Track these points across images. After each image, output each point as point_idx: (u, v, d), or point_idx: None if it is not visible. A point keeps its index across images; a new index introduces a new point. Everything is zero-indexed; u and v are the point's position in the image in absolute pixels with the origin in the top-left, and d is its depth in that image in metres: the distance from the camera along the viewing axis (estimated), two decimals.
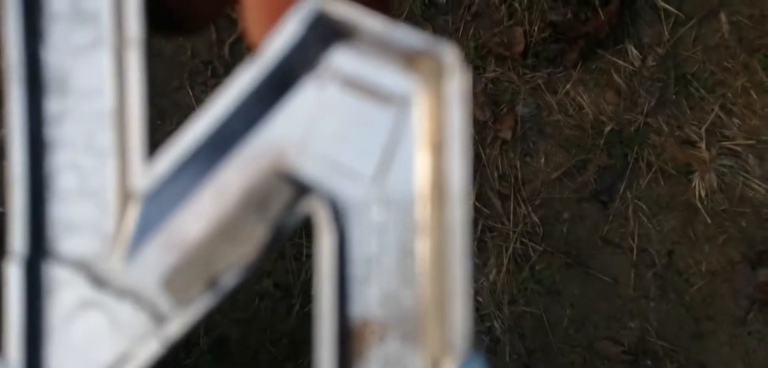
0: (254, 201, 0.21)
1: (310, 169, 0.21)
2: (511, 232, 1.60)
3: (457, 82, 0.20)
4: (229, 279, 0.21)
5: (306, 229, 1.51)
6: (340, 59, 0.22)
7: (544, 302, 1.60)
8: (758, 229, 1.53)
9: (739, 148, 1.55)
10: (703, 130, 1.56)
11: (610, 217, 1.61)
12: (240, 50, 1.48)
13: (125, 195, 0.21)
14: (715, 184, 1.55)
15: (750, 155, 1.54)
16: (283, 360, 1.56)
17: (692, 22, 1.56)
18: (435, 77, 0.21)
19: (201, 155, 0.21)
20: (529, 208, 1.62)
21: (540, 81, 1.63)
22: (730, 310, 1.52)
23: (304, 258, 1.58)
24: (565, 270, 1.61)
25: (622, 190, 1.62)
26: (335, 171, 0.21)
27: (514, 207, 1.62)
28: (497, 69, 1.63)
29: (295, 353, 1.55)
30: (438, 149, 0.20)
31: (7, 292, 0.21)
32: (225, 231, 0.21)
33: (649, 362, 1.51)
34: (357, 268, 0.21)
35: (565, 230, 1.63)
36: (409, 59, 0.21)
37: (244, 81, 0.21)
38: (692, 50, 1.59)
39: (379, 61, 0.21)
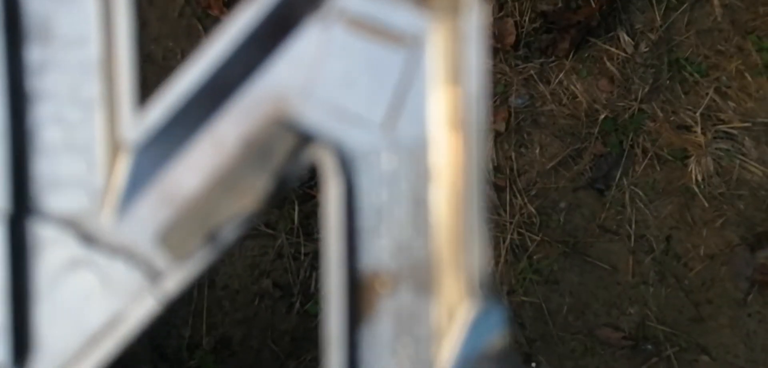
0: (255, 151, 0.19)
1: (314, 116, 0.20)
2: (508, 223, 1.60)
3: (475, 17, 0.19)
4: (230, 231, 0.20)
5: (303, 228, 1.50)
6: None
7: (543, 291, 1.59)
8: (756, 211, 1.52)
9: (734, 131, 1.54)
10: (698, 114, 1.56)
11: (607, 205, 1.60)
12: None
13: (115, 147, 0.20)
14: (711, 168, 1.55)
15: (746, 138, 1.53)
16: (286, 358, 1.55)
17: (684, 6, 1.55)
18: (450, 13, 0.19)
19: (196, 104, 0.20)
20: (526, 199, 1.62)
21: (532, 71, 1.62)
22: (729, 293, 1.52)
23: (302, 258, 1.58)
24: (563, 259, 1.61)
25: (618, 177, 1.61)
26: (341, 118, 0.20)
27: (511, 199, 1.61)
28: (489, 61, 1.62)
29: (296, 351, 1.55)
30: (454, 90, 0.19)
31: None
32: (224, 182, 0.20)
33: (649, 347, 1.51)
34: (366, 219, 0.19)
35: (562, 219, 1.63)
36: None
37: (241, 23, 0.20)
38: (685, 34, 1.58)
39: None
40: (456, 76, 0.19)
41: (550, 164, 1.60)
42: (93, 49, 0.20)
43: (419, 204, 0.19)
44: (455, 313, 0.18)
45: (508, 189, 1.60)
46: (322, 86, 0.20)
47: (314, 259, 1.55)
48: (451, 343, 0.19)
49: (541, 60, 1.61)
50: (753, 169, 1.56)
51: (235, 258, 1.53)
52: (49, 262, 0.21)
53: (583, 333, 1.59)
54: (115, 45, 0.20)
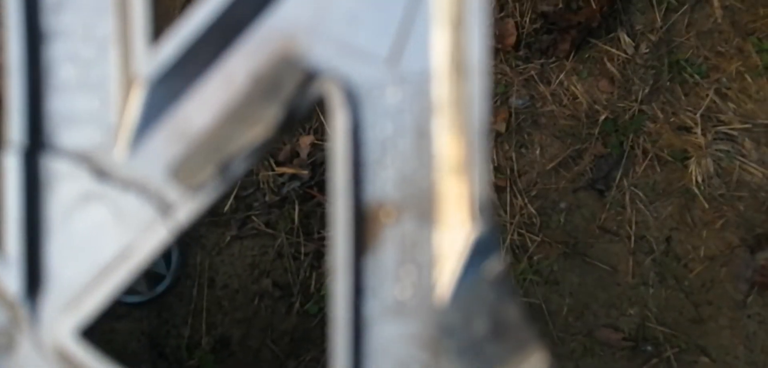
0: (264, 85, 0.20)
1: (321, 52, 0.21)
2: (508, 224, 1.59)
3: None
4: (241, 162, 0.20)
5: (303, 228, 1.50)
6: None
7: (543, 292, 1.58)
8: (756, 213, 1.52)
9: (734, 133, 1.54)
10: (698, 115, 1.55)
11: (607, 206, 1.59)
12: None
13: (128, 83, 0.20)
14: (711, 169, 1.54)
15: (746, 139, 1.53)
16: (285, 358, 1.54)
17: (684, 7, 1.55)
18: None
19: (207, 40, 0.20)
20: (526, 199, 1.61)
21: (533, 72, 1.62)
22: (729, 294, 1.51)
23: (302, 257, 1.57)
24: (563, 260, 1.60)
25: (618, 178, 1.61)
26: (347, 53, 0.20)
27: (511, 199, 1.61)
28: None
29: (296, 351, 1.54)
30: (457, 24, 0.19)
31: (5, 184, 0.20)
32: (234, 116, 0.20)
33: (649, 348, 1.50)
34: (371, 151, 0.20)
35: (562, 220, 1.62)
36: None
37: None
38: (685, 36, 1.58)
39: None
40: (459, 10, 0.19)
41: (551, 165, 1.60)
42: None
43: (423, 136, 0.20)
44: (456, 240, 0.19)
45: (508, 190, 1.60)
46: (329, 23, 0.21)
47: (314, 259, 1.55)
48: (451, 268, 0.19)
49: (542, 60, 1.61)
50: (753, 170, 1.56)
51: (235, 257, 1.53)
52: (62, 196, 0.21)
53: (582, 333, 1.58)
54: None
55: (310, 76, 0.20)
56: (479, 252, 0.19)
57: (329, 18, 0.21)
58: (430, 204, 0.20)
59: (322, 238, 1.50)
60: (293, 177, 1.52)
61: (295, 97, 0.20)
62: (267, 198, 1.50)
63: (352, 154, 0.20)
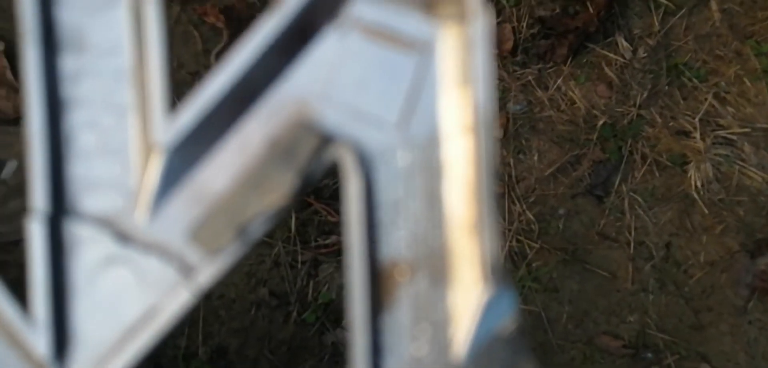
0: (280, 151, 0.21)
1: (333, 117, 0.21)
2: (506, 231, 1.59)
3: (480, 24, 0.20)
4: (258, 226, 0.21)
5: (300, 237, 1.51)
6: (361, 7, 0.22)
7: (542, 299, 1.59)
8: (756, 217, 1.53)
9: (734, 137, 1.54)
10: (697, 119, 1.56)
11: (606, 212, 1.60)
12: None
13: (147, 150, 0.21)
14: (710, 174, 1.55)
15: (745, 143, 1.53)
16: (283, 367, 1.54)
17: (682, 11, 1.56)
18: (457, 20, 0.21)
19: (224, 108, 0.21)
20: (524, 206, 1.62)
21: (530, 77, 1.62)
22: (729, 300, 1.52)
23: (299, 266, 1.57)
24: (562, 267, 1.60)
25: (617, 184, 1.61)
26: (359, 119, 0.21)
27: (509, 205, 1.61)
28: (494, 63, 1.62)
29: (293, 360, 1.54)
30: (463, 89, 0.20)
31: (31, 250, 0.21)
32: (252, 181, 0.21)
33: (649, 355, 1.51)
34: (384, 212, 0.21)
35: (561, 226, 1.62)
36: (429, 4, 0.21)
37: (264, 32, 0.21)
38: (683, 39, 1.58)
39: (399, 8, 0.21)
40: (464, 78, 0.20)
41: (549, 170, 1.60)
42: (125, 58, 0.22)
43: (433, 197, 0.21)
44: (469, 299, 0.20)
45: (506, 196, 1.60)
46: (341, 89, 0.21)
47: (311, 268, 1.54)
48: (466, 327, 0.20)
49: (539, 66, 1.61)
50: (752, 174, 1.56)
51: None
52: (86, 260, 0.22)
53: (582, 341, 1.59)
54: (147, 53, 0.22)
55: (324, 141, 0.21)
56: (493, 311, 0.19)
57: (340, 85, 0.21)
58: (443, 263, 0.21)
59: (319, 247, 1.50)
60: None
61: (311, 162, 0.21)
62: None
63: (366, 216, 0.21)
